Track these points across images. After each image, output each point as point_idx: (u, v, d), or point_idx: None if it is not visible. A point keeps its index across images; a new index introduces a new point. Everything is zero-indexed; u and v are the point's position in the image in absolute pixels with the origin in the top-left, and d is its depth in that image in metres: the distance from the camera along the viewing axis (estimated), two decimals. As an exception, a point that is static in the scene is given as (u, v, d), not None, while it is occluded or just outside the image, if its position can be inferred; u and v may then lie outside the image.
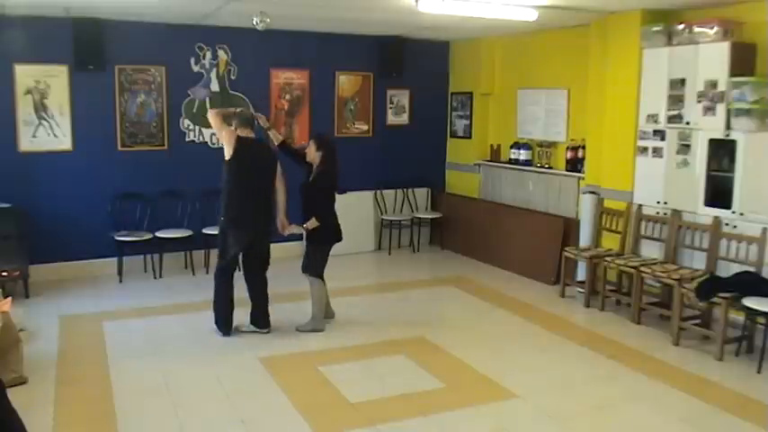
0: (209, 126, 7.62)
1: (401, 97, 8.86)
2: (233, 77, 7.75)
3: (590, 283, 6.41)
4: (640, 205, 6.32)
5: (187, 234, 7.34)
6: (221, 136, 5.44)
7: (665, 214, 6.09)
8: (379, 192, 8.70)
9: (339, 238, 5.63)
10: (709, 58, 5.59)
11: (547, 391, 4.53)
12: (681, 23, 5.89)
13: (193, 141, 7.65)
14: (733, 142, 5.46)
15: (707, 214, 5.70)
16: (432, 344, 5.39)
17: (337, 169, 5.56)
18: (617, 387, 4.64)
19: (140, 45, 7.23)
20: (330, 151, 5.50)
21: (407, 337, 5.55)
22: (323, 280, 5.62)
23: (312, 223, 5.43)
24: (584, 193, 6.93)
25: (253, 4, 5.97)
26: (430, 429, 4.02)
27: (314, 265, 5.59)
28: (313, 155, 5.49)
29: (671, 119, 5.96)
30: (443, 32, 8.23)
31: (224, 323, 5.50)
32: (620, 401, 4.42)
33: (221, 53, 7.66)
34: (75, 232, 7.13)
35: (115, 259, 7.14)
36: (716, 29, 5.56)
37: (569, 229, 7.12)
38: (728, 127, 5.50)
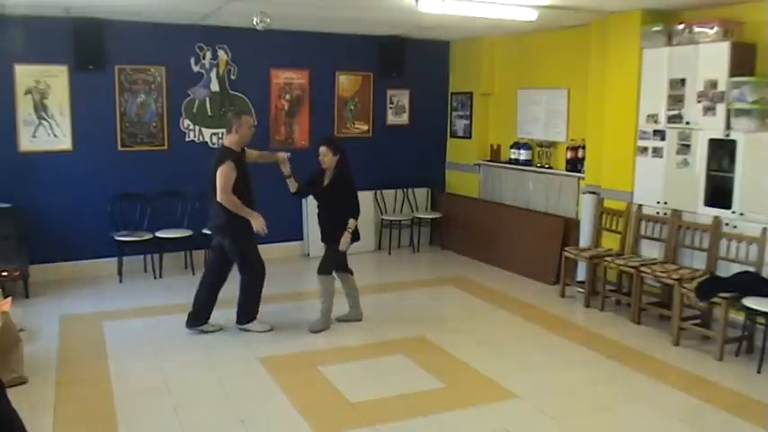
0: (209, 126, 7.70)
1: (401, 97, 8.86)
2: (233, 77, 7.75)
3: (590, 283, 6.41)
4: (640, 205, 6.32)
5: (187, 234, 7.34)
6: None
7: (665, 214, 6.09)
8: (379, 192, 8.70)
9: (359, 238, 5.73)
10: (710, 58, 5.59)
11: (547, 391, 4.53)
12: (681, 23, 5.89)
13: (193, 141, 7.65)
14: (733, 142, 5.46)
15: (707, 214, 5.70)
16: (432, 344, 5.39)
17: (351, 169, 5.65)
18: (617, 387, 4.64)
19: (140, 45, 7.23)
20: (345, 153, 5.57)
21: (407, 337, 5.55)
22: (339, 274, 5.79)
23: (353, 223, 5.55)
24: (584, 193, 6.93)
25: (253, 4, 5.97)
26: (430, 429, 4.02)
27: (331, 265, 5.65)
28: (330, 160, 5.50)
29: (671, 119, 5.96)
30: (443, 32, 8.23)
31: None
32: (620, 401, 4.42)
33: (221, 53, 7.66)
34: (75, 232, 7.13)
35: (115, 259, 7.14)
36: (716, 29, 5.56)
37: (569, 229, 7.12)
38: (728, 127, 5.50)
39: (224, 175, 5.20)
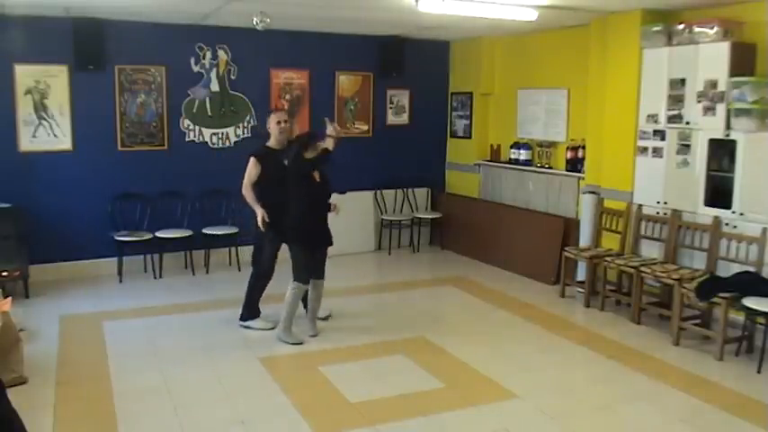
0: (209, 126, 7.70)
1: (401, 97, 8.86)
2: (233, 77, 7.75)
3: (590, 283, 6.41)
4: (640, 205, 6.32)
5: (187, 234, 7.34)
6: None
7: (665, 214, 6.09)
8: (379, 192, 8.70)
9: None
10: (710, 58, 5.59)
11: (547, 391, 4.53)
12: (681, 23, 5.89)
13: (193, 141, 7.65)
14: (733, 142, 5.46)
15: (707, 214, 5.70)
16: (432, 344, 5.39)
17: None
18: (617, 387, 4.64)
19: (140, 45, 7.23)
20: None
21: (407, 337, 5.55)
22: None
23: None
24: (584, 193, 6.93)
25: (253, 4, 5.97)
26: (430, 429, 4.02)
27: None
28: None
29: (671, 119, 5.96)
30: (443, 32, 8.23)
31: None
32: (620, 401, 4.42)
33: (221, 53, 7.66)
34: (75, 232, 7.13)
35: (115, 259, 7.13)
36: (716, 29, 5.56)
37: (569, 229, 7.12)
38: (728, 127, 5.50)
39: (246, 170, 5.50)
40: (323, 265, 5.52)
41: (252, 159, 5.49)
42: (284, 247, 5.49)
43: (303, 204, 5.32)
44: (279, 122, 5.58)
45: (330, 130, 5.43)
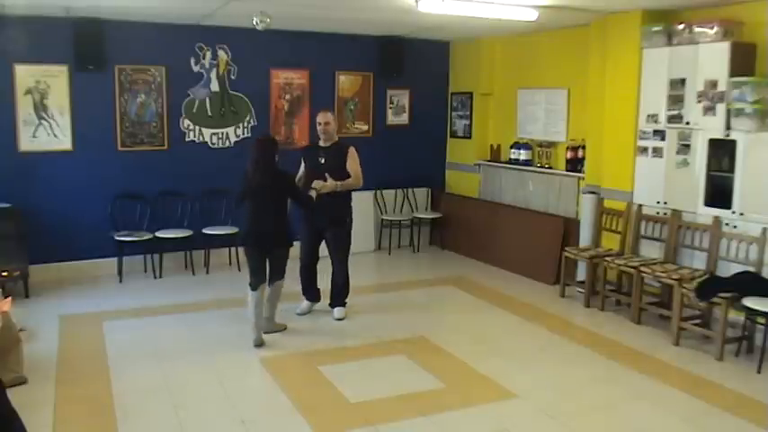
0: (209, 126, 7.70)
1: (401, 97, 8.86)
2: (233, 77, 7.75)
3: (590, 283, 6.41)
4: (640, 205, 6.32)
5: (187, 234, 7.34)
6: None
7: (665, 214, 6.09)
8: (379, 192, 8.70)
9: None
10: (710, 58, 5.59)
11: (547, 391, 4.53)
12: (681, 23, 5.89)
13: (193, 141, 7.65)
14: (733, 142, 5.46)
15: (707, 214, 5.70)
16: (432, 344, 5.39)
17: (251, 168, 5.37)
18: (617, 387, 4.64)
19: (140, 45, 7.23)
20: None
21: (407, 337, 5.55)
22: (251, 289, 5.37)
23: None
24: (584, 193, 6.93)
25: (253, 4, 5.97)
26: (430, 429, 4.02)
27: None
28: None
29: (671, 119, 5.96)
30: (443, 32, 8.23)
31: None
32: (620, 401, 4.42)
33: (221, 53, 7.66)
34: (75, 232, 7.13)
35: (115, 259, 7.13)
36: (716, 29, 5.56)
37: (569, 229, 7.12)
38: (728, 127, 5.50)
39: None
40: (279, 265, 5.50)
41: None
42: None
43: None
44: (319, 123, 5.87)
45: (316, 185, 5.64)
